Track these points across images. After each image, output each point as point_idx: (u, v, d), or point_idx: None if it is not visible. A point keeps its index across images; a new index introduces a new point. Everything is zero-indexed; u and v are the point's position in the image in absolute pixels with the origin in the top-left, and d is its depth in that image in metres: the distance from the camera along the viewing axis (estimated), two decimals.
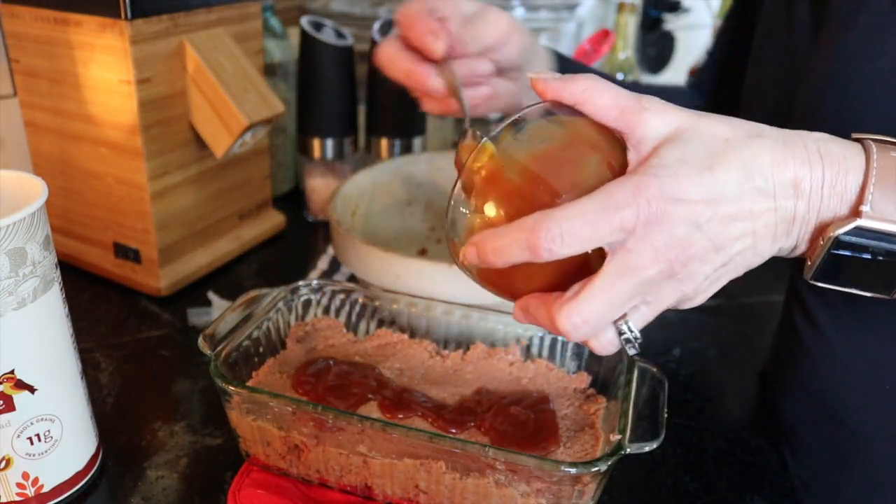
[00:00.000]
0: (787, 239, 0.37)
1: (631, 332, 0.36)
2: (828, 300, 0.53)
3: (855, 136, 0.38)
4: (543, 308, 0.37)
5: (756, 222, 0.35)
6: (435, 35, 0.49)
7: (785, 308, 0.59)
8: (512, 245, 0.35)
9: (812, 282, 0.38)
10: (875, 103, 0.40)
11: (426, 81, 0.51)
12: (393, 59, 0.51)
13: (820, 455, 0.56)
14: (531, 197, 0.36)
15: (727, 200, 0.34)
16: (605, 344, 0.37)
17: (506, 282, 0.39)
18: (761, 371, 0.64)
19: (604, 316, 0.35)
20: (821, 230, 0.36)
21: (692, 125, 0.36)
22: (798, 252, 0.38)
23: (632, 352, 0.37)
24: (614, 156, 0.37)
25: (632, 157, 0.36)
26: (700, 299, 0.37)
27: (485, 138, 0.39)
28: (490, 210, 0.38)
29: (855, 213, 0.35)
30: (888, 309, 0.49)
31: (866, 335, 0.51)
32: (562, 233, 0.33)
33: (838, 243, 0.35)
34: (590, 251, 0.35)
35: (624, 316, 0.36)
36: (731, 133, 0.36)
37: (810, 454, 0.56)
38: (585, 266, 0.36)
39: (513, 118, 0.39)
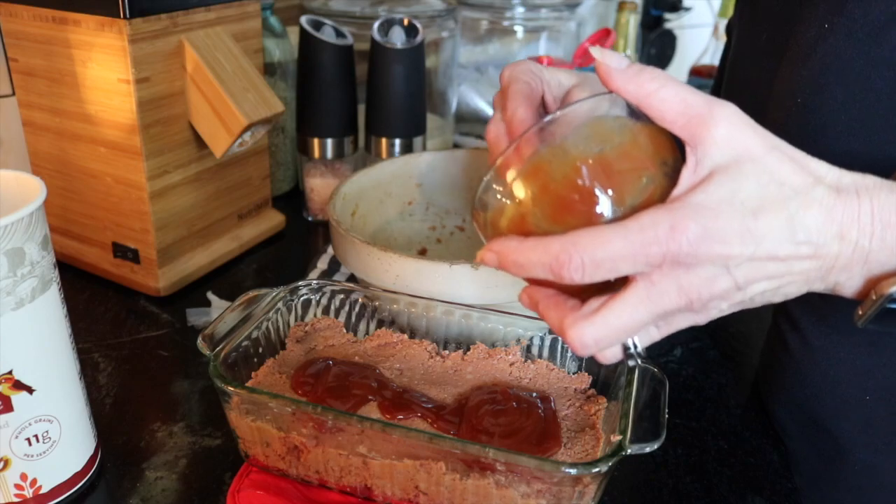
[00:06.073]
0: (821, 283, 0.35)
1: (635, 347, 0.36)
2: (810, 307, 0.52)
3: None
4: (555, 313, 0.36)
5: (790, 267, 0.34)
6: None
7: (773, 314, 0.59)
8: (535, 265, 0.34)
9: (861, 326, 0.36)
10: (835, 136, 0.39)
11: None
12: (499, 142, 0.49)
13: (807, 460, 0.56)
14: (570, 206, 0.35)
15: (763, 248, 0.33)
16: (609, 356, 0.37)
17: None
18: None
19: (615, 338, 0.35)
20: (872, 282, 0.35)
21: (757, 157, 0.33)
22: (837, 293, 0.37)
23: (631, 363, 0.37)
24: (667, 172, 0.35)
25: (685, 175, 0.34)
26: (705, 321, 0.37)
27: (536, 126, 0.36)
28: (525, 206, 0.36)
29: None
30: None
31: (847, 343, 0.51)
32: (584, 264, 0.33)
33: (892, 298, 0.34)
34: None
35: None
36: (790, 177, 0.33)
37: (798, 459, 0.56)
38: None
39: (566, 108, 0.36)
